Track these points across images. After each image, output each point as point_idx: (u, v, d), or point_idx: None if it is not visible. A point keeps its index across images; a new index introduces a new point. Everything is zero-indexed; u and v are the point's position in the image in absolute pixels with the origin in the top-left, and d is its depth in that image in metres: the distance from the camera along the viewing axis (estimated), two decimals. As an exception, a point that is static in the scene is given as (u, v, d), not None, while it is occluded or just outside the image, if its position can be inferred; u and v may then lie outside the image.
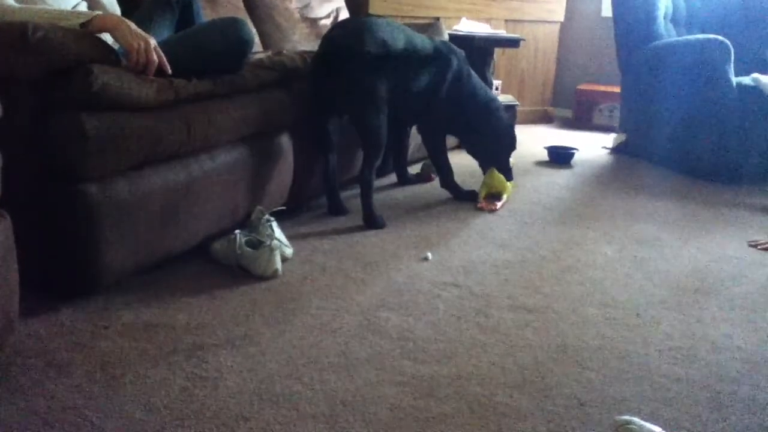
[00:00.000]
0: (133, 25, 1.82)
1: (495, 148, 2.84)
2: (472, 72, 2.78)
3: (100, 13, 1.97)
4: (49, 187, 1.63)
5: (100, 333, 1.60)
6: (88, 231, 1.65)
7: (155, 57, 1.78)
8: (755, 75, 3.16)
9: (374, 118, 2.37)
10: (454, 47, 2.78)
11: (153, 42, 1.80)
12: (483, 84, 2.83)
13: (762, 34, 3.75)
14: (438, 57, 2.61)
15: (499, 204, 2.74)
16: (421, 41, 2.58)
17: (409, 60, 2.47)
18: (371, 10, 3.98)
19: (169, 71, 1.82)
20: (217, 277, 1.94)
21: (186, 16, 2.34)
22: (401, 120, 2.64)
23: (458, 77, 2.69)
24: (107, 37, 1.82)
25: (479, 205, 2.72)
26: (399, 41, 2.44)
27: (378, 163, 2.43)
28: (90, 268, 1.69)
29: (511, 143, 2.88)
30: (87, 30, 1.78)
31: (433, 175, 3.04)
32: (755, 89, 3.14)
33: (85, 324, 1.64)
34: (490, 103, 2.80)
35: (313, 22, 3.41)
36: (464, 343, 1.66)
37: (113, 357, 1.50)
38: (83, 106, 1.61)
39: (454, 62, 2.68)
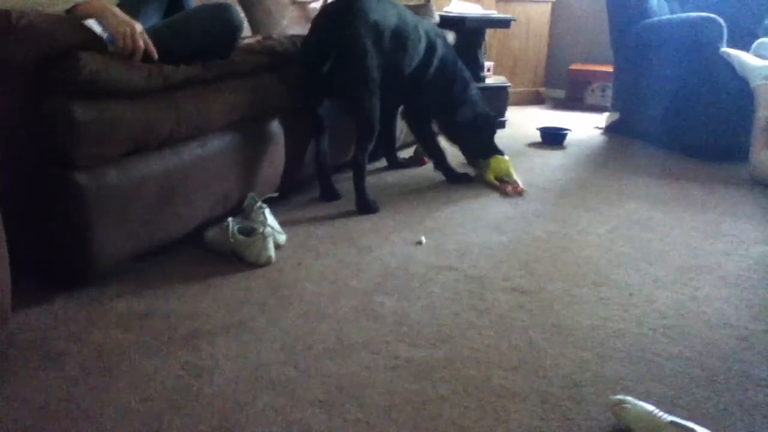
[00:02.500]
0: (118, 11, 1.80)
1: (476, 135, 2.84)
2: (456, 57, 2.77)
3: (85, -1, 1.95)
4: (40, 176, 1.62)
5: (95, 322, 1.60)
6: (81, 219, 1.64)
7: (141, 43, 1.76)
8: (724, 49, 3.15)
9: (367, 101, 2.36)
10: (441, 31, 2.76)
11: (139, 27, 1.78)
12: (464, 69, 2.82)
13: (755, 10, 3.74)
14: (426, 40, 2.60)
15: (520, 184, 2.73)
16: (413, 21, 2.56)
17: (400, 39, 2.45)
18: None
19: (156, 57, 1.80)
20: (211, 265, 1.94)
21: (174, 1, 2.32)
22: (390, 102, 2.62)
23: (444, 62, 2.68)
24: (93, 24, 1.80)
25: (507, 190, 2.70)
26: (391, 19, 2.42)
27: (371, 146, 2.42)
28: (83, 257, 1.69)
29: (491, 128, 2.88)
30: (71, 16, 1.76)
31: (426, 159, 3.03)
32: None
33: (80, 314, 1.64)
34: (470, 90, 2.80)
35: (303, 5, 3.37)
36: (459, 326, 1.66)
37: (108, 347, 1.50)
38: (72, 93, 1.59)
39: (441, 47, 2.67)
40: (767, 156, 2.84)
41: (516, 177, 2.78)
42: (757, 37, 3.41)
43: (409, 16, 2.56)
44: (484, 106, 2.88)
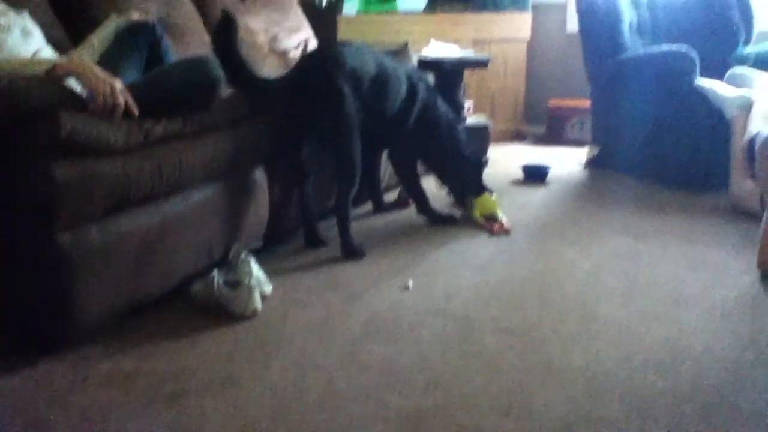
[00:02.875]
0: (97, 69, 1.81)
1: (464, 174, 2.87)
2: (438, 98, 2.81)
3: (63, 58, 1.97)
4: (21, 237, 1.61)
5: (79, 384, 1.58)
6: (63, 280, 1.63)
7: (122, 99, 1.77)
8: (698, 82, 3.21)
9: (347, 146, 2.37)
10: (423, 74, 2.80)
11: (119, 84, 1.79)
12: (448, 110, 2.86)
13: (725, 41, 3.82)
14: (408, 83, 2.63)
15: (506, 222, 2.75)
16: (392, 66, 2.59)
17: (380, 84, 2.48)
18: (339, 37, 4.00)
19: (137, 113, 1.81)
20: (197, 319, 1.92)
21: (154, 55, 2.35)
22: (372, 146, 2.64)
23: (426, 104, 2.71)
24: (73, 83, 1.81)
25: (494, 229, 2.71)
26: (369, 66, 2.46)
27: (353, 191, 2.43)
28: (66, 318, 1.67)
29: (478, 167, 2.91)
30: (51, 76, 1.78)
31: (410, 201, 3.04)
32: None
33: (64, 376, 1.61)
34: (454, 131, 2.83)
35: (282, 53, 3.42)
36: (449, 371, 1.65)
37: (93, 409, 1.47)
38: (52, 153, 1.59)
39: (423, 90, 2.71)
40: (747, 184, 2.88)
41: (501, 215, 2.79)
42: (729, 67, 3.48)
43: (389, 61, 2.60)
44: (470, 145, 2.91)
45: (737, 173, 2.95)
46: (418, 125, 2.70)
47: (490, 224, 2.75)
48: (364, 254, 2.43)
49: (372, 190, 2.99)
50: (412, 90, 2.64)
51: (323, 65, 2.38)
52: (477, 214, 2.81)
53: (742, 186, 2.90)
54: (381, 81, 2.49)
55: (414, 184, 2.85)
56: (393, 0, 4.37)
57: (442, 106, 2.82)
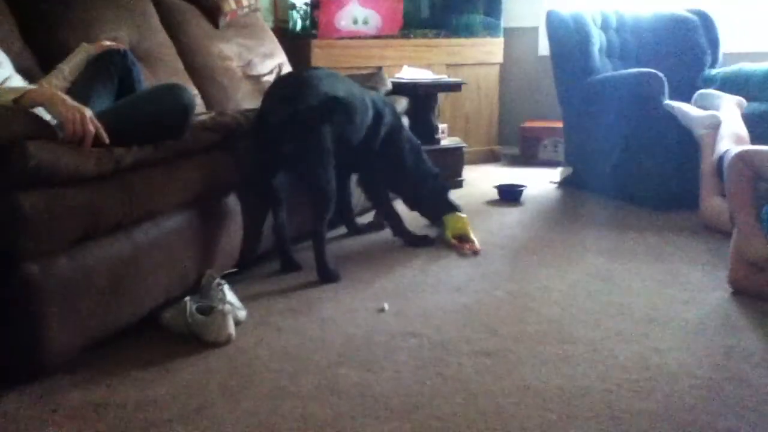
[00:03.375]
0: (66, 97, 1.80)
1: (430, 196, 2.90)
2: (404, 125, 2.84)
3: (32, 87, 1.95)
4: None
5: (48, 418, 1.54)
6: (31, 312, 1.60)
7: (92, 127, 1.76)
8: (667, 102, 3.27)
9: (322, 171, 2.38)
10: (388, 100, 2.83)
11: (88, 113, 1.78)
12: (412, 135, 2.91)
13: (693, 63, 3.90)
14: (374, 109, 2.66)
15: (476, 243, 2.76)
16: (359, 92, 2.61)
17: (348, 111, 2.50)
18: (313, 62, 4.02)
19: (107, 141, 1.80)
20: (169, 347, 1.89)
21: (126, 83, 2.33)
22: (342, 171, 2.65)
23: (391, 130, 2.74)
24: (43, 112, 1.80)
25: (464, 250, 2.72)
26: (339, 91, 2.47)
27: (328, 215, 2.42)
28: (34, 351, 1.64)
29: (443, 187, 2.95)
30: (19, 105, 1.76)
31: (385, 223, 3.04)
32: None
33: (32, 410, 1.57)
34: (418, 155, 2.87)
35: (256, 79, 3.43)
36: (425, 395, 1.64)
37: (61, 443, 1.44)
38: (20, 184, 1.57)
39: (388, 115, 2.73)
40: (716, 202, 2.92)
41: (472, 236, 2.81)
42: (697, 89, 3.55)
43: (356, 88, 2.63)
44: (434, 167, 2.93)
45: (706, 192, 3.00)
46: (383, 150, 2.73)
47: (461, 244, 2.75)
48: (340, 278, 2.42)
49: (344, 214, 2.99)
50: (378, 115, 2.67)
51: (297, 89, 2.38)
52: (448, 234, 2.82)
53: (712, 204, 2.94)
54: (350, 107, 2.50)
55: (386, 207, 2.86)
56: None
57: (406, 131, 2.86)
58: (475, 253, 2.70)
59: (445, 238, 2.82)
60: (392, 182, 2.87)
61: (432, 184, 2.90)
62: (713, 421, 1.52)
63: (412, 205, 2.97)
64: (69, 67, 2.25)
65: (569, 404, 1.59)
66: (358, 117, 2.56)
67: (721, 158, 2.85)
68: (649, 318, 2.07)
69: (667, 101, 3.28)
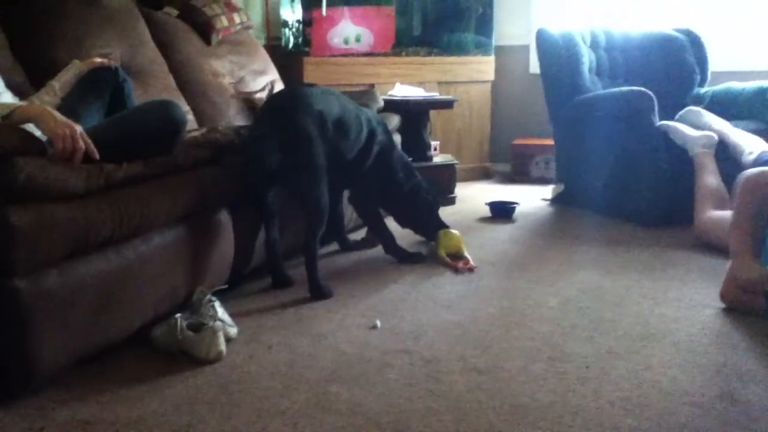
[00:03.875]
0: (56, 113, 1.80)
1: (421, 214, 2.91)
2: (396, 143, 2.86)
3: (22, 103, 1.95)
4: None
5: (35, 436, 1.52)
6: (19, 328, 1.58)
7: (82, 144, 1.76)
8: (662, 122, 3.31)
9: (315, 187, 2.38)
10: (381, 119, 2.85)
11: (78, 129, 1.77)
12: (403, 153, 2.93)
13: (681, 82, 3.94)
14: (368, 127, 2.67)
15: (471, 260, 2.76)
16: (354, 109, 2.62)
17: (342, 127, 2.51)
18: (305, 79, 4.04)
19: (97, 157, 1.79)
20: (159, 364, 1.87)
21: (117, 99, 2.33)
22: (335, 187, 2.66)
23: (383, 149, 2.76)
24: (33, 128, 1.79)
25: (459, 267, 2.71)
26: (334, 108, 2.48)
27: (321, 231, 2.42)
28: (23, 367, 1.62)
29: (433, 205, 2.97)
30: (9, 121, 1.76)
31: (377, 240, 3.04)
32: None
33: (19, 427, 1.55)
34: (409, 173, 2.89)
35: (248, 96, 3.43)
36: (416, 413, 1.63)
37: (48, 462, 1.42)
38: (9, 199, 1.56)
39: (381, 134, 2.75)
40: (713, 215, 2.94)
41: (466, 253, 2.81)
42: (685, 105, 3.58)
43: (351, 105, 2.63)
44: (425, 185, 2.94)
45: (700, 206, 3.02)
46: (375, 167, 2.74)
47: (454, 262, 2.75)
48: (332, 294, 2.41)
49: (335, 231, 2.99)
50: (371, 133, 2.68)
51: (291, 105, 2.39)
52: (441, 252, 2.82)
53: (707, 218, 2.96)
54: (344, 124, 2.52)
55: (378, 224, 2.87)
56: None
57: (397, 149, 2.89)
58: (471, 270, 2.70)
59: (439, 255, 2.82)
60: (384, 200, 2.88)
61: (423, 201, 2.91)
62: (705, 438, 1.51)
63: (403, 223, 2.98)
64: (60, 84, 2.25)
65: (561, 422, 1.58)
66: (353, 134, 2.57)
67: (761, 155, 2.93)
68: (641, 335, 2.07)
69: (662, 122, 3.31)
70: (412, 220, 2.95)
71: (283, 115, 2.37)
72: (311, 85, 2.64)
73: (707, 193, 3.03)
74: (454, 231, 2.90)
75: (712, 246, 2.85)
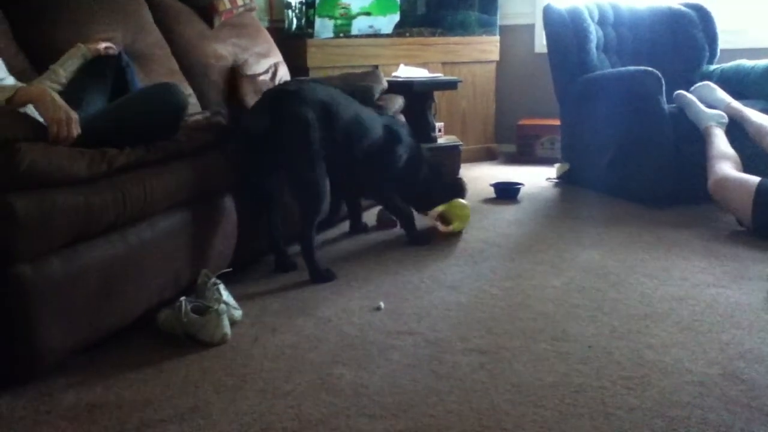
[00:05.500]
0: (57, 97, 1.80)
1: (440, 197, 2.96)
2: (419, 144, 2.92)
3: (23, 85, 1.95)
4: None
5: (42, 419, 1.54)
6: (24, 314, 1.60)
7: (75, 132, 1.76)
8: (679, 92, 3.28)
9: (310, 173, 2.36)
10: (401, 125, 2.89)
11: (75, 116, 1.77)
12: (421, 148, 2.95)
13: (690, 59, 3.89)
14: (385, 131, 2.69)
15: (441, 227, 2.87)
16: (369, 114, 2.66)
17: (354, 128, 2.53)
18: (309, 62, 4.02)
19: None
20: (164, 348, 1.89)
21: (120, 83, 2.33)
22: (351, 186, 2.75)
23: (409, 152, 2.79)
24: (32, 110, 1.79)
25: (435, 225, 2.87)
26: (340, 102, 2.50)
27: (318, 218, 2.40)
28: (28, 352, 1.64)
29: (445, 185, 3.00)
30: (11, 104, 1.76)
31: (395, 221, 3.03)
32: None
33: (26, 411, 1.58)
34: (435, 170, 2.93)
35: (252, 78, 3.42)
36: (420, 393, 1.64)
37: (55, 444, 1.44)
38: (12, 186, 1.57)
39: (404, 134, 2.78)
40: (732, 174, 2.91)
41: (451, 227, 2.93)
42: (694, 83, 3.53)
43: (366, 111, 2.67)
44: (435, 167, 2.95)
45: (717, 163, 2.99)
46: (406, 171, 2.78)
47: (435, 221, 2.93)
48: (334, 278, 2.42)
49: (352, 214, 3.01)
50: (390, 137, 2.70)
51: (288, 92, 2.39)
52: (456, 224, 2.92)
53: (725, 175, 2.91)
54: (356, 125, 2.54)
55: (397, 203, 2.84)
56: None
57: (422, 149, 2.92)
58: (441, 236, 2.86)
59: (456, 228, 2.92)
60: (405, 194, 2.88)
61: (438, 185, 2.93)
62: (707, 417, 1.52)
63: (424, 209, 3.00)
64: (63, 68, 2.24)
65: (563, 401, 1.59)
66: (361, 132, 2.58)
67: None
68: (644, 314, 2.07)
69: (679, 91, 3.28)
70: (433, 203, 2.97)
71: (281, 97, 2.38)
72: (317, 80, 2.67)
73: (721, 155, 3.01)
74: (464, 202, 2.97)
75: (728, 208, 2.87)
